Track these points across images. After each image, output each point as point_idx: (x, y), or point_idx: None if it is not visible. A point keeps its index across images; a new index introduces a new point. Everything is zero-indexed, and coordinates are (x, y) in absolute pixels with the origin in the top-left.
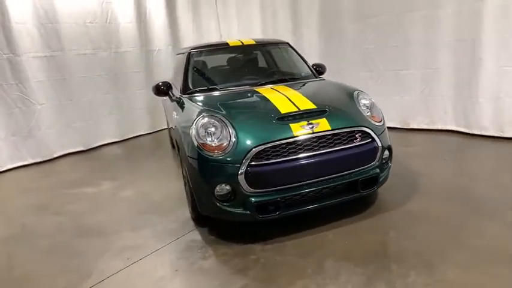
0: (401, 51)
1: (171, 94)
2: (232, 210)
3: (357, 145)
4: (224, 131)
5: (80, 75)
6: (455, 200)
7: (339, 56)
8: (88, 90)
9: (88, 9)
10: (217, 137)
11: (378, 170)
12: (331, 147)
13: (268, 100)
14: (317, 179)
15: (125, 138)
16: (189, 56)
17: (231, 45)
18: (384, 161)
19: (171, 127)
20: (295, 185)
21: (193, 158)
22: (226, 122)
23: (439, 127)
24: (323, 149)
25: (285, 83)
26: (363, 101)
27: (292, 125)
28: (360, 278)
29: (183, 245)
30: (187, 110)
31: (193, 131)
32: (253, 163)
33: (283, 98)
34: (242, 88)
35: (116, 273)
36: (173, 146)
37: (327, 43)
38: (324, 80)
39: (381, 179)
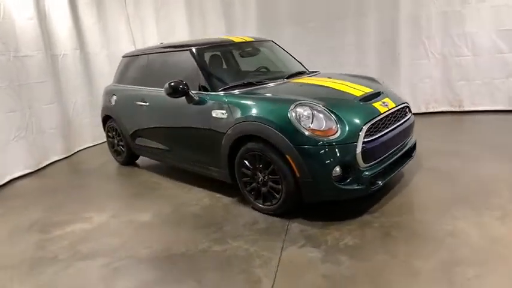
0: (336, 52)
1: (191, 94)
2: (349, 187)
3: (409, 117)
4: (325, 116)
5: None
6: (447, 157)
7: None
8: None
9: None
10: (324, 121)
11: (415, 137)
12: (399, 120)
13: (331, 88)
14: (399, 147)
15: (39, 167)
16: (198, 53)
17: (236, 41)
18: None
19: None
20: (388, 154)
21: (305, 146)
22: (322, 107)
23: None
24: (396, 123)
25: (306, 75)
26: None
27: (374, 105)
28: (470, 212)
29: (301, 236)
30: (261, 103)
31: (295, 120)
32: (365, 140)
33: (342, 86)
34: (279, 81)
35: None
36: (127, 163)
37: None
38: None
39: None
